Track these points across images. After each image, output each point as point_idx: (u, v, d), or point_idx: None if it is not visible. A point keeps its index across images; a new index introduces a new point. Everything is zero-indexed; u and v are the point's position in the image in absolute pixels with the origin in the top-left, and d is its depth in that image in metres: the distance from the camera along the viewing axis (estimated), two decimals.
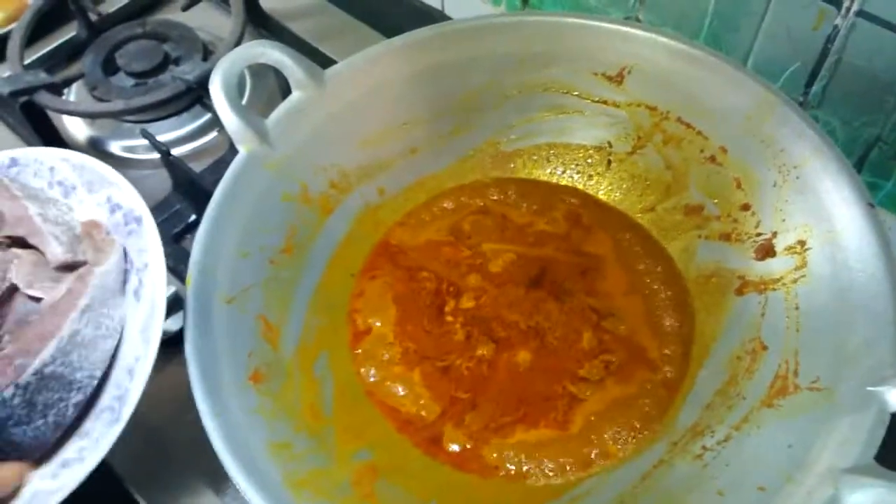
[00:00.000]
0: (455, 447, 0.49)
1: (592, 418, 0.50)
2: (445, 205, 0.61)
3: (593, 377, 0.52)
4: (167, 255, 0.64)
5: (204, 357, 0.43)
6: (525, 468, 0.48)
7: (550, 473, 0.48)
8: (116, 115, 0.71)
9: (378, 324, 0.55)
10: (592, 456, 0.49)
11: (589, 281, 0.57)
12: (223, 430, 0.41)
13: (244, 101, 0.76)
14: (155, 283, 0.43)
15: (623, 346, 0.53)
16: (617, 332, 0.54)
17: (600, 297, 0.56)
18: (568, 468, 0.48)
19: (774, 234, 0.52)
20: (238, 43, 0.72)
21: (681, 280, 0.56)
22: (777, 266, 0.51)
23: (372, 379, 0.52)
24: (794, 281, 0.49)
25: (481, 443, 0.50)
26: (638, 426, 0.49)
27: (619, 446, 0.49)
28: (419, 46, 0.57)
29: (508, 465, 0.49)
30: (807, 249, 0.49)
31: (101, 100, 0.73)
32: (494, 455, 0.49)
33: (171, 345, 0.60)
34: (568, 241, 0.59)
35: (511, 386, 0.52)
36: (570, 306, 0.55)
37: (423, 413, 0.51)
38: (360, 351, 0.54)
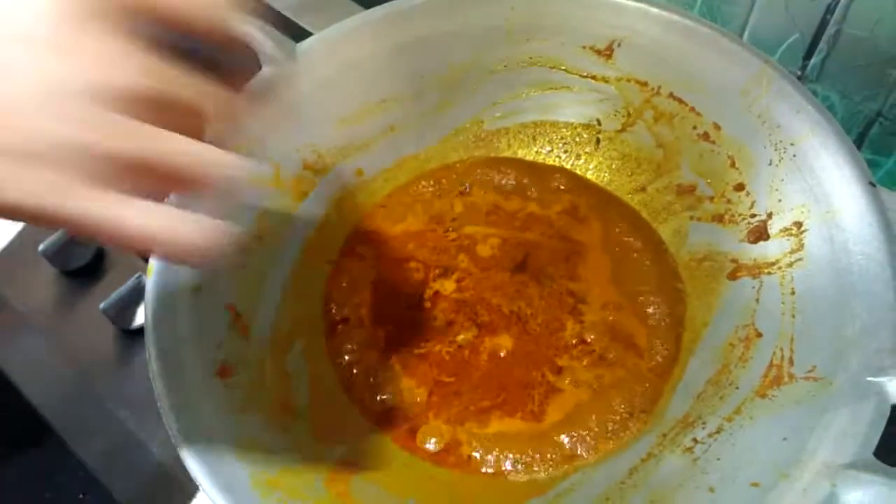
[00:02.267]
0: (433, 441, 0.47)
1: (574, 409, 0.48)
2: (426, 187, 0.58)
3: (575, 366, 0.50)
4: None
5: (166, 350, 0.41)
6: (505, 463, 0.46)
7: (532, 468, 0.46)
8: None
9: (355, 311, 0.53)
10: (577, 450, 0.46)
11: (572, 266, 0.54)
12: (185, 428, 0.38)
13: None
14: None
15: (608, 333, 0.51)
16: (602, 319, 0.52)
17: (584, 283, 0.54)
18: (550, 462, 0.46)
19: (770, 216, 0.49)
20: None
21: (671, 264, 0.54)
22: (772, 249, 0.48)
23: (348, 369, 0.50)
24: (791, 264, 0.47)
25: (459, 430, 0.47)
26: (625, 417, 0.47)
27: (604, 439, 0.47)
28: (398, 19, 0.55)
29: (487, 458, 0.46)
30: (803, 231, 0.47)
31: None
32: (473, 450, 0.47)
33: (139, 337, 0.58)
34: (554, 224, 0.56)
35: (492, 371, 0.50)
36: (551, 290, 0.53)
37: (404, 400, 0.49)
38: (336, 340, 0.51)
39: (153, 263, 0.43)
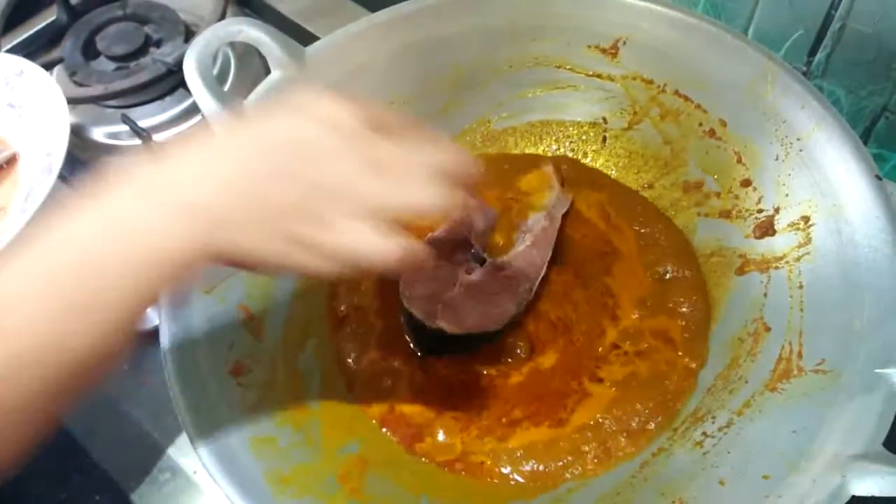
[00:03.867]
0: (441, 451, 0.47)
1: (602, 411, 0.48)
2: None
3: (611, 370, 0.50)
4: None
5: (181, 350, 0.41)
6: (516, 469, 0.46)
7: (545, 471, 0.46)
8: (96, 101, 0.69)
9: (357, 308, 0.53)
10: (595, 451, 0.46)
11: (608, 263, 0.54)
12: (201, 426, 0.39)
13: (228, 85, 0.73)
14: None
15: (643, 335, 0.51)
16: (637, 321, 0.52)
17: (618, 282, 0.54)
18: (564, 464, 0.46)
19: (777, 210, 0.50)
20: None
21: (695, 260, 0.54)
22: (780, 243, 0.49)
23: (353, 367, 0.50)
24: (798, 259, 0.47)
25: (470, 442, 0.47)
26: (655, 413, 0.47)
27: (626, 439, 0.47)
28: (404, 21, 0.55)
29: (498, 466, 0.46)
30: (811, 225, 0.47)
31: (80, 85, 0.71)
32: (484, 456, 0.47)
33: (152, 340, 0.58)
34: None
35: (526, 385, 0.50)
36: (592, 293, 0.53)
37: (408, 406, 0.49)
38: (340, 338, 0.52)
39: None
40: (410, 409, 0.48)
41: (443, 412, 0.48)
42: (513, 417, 0.48)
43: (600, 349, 0.50)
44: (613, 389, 0.48)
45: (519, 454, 0.46)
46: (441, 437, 0.47)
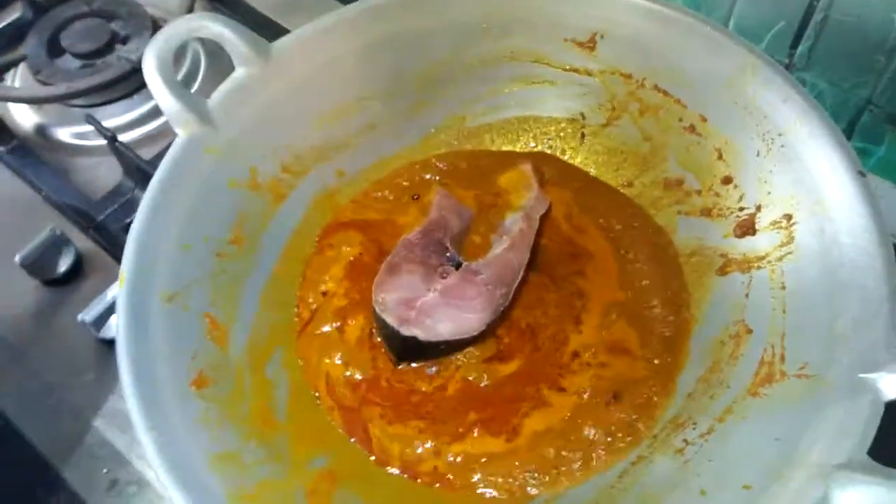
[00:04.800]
0: (405, 457, 0.45)
1: (565, 421, 0.46)
2: (403, 181, 0.57)
3: (574, 378, 0.48)
4: (119, 248, 0.61)
5: (139, 362, 0.40)
6: (484, 480, 0.44)
7: (515, 483, 0.44)
8: (59, 100, 0.67)
9: (327, 309, 0.51)
10: (565, 464, 0.44)
11: (582, 264, 0.53)
12: (159, 443, 0.37)
13: (197, 84, 0.71)
14: None
15: (608, 342, 0.49)
16: (603, 324, 0.50)
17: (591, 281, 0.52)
18: (535, 477, 0.44)
19: (759, 208, 0.48)
20: None
21: (675, 260, 0.52)
22: (762, 243, 0.47)
23: (321, 371, 0.49)
24: (780, 258, 0.46)
25: (436, 447, 0.46)
26: (624, 425, 0.45)
27: (601, 451, 0.45)
28: (375, 15, 0.53)
29: (466, 476, 0.44)
30: (793, 224, 0.46)
31: (45, 83, 0.69)
32: (450, 467, 0.45)
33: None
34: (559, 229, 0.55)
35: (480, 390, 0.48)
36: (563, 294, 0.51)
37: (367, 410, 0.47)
38: (305, 342, 0.50)
39: (124, 271, 0.42)
40: (380, 418, 0.47)
41: (411, 421, 0.46)
42: (482, 425, 0.46)
43: (565, 358, 0.48)
44: (583, 397, 0.47)
45: (487, 464, 0.44)
46: (411, 447, 0.45)
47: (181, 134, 0.47)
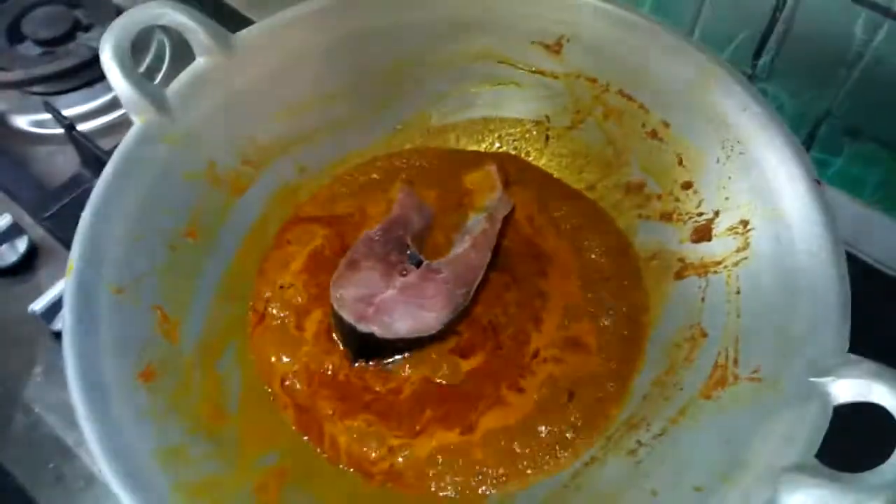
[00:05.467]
0: (371, 453, 0.45)
1: (520, 421, 0.46)
2: (367, 175, 0.57)
3: (534, 377, 0.48)
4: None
5: (84, 353, 0.39)
6: (438, 478, 0.44)
7: (468, 482, 0.44)
8: (17, 86, 0.66)
9: (283, 303, 0.50)
10: (518, 463, 0.44)
11: (543, 265, 0.53)
12: (102, 435, 0.36)
13: (161, 74, 0.70)
14: None
15: (567, 341, 0.49)
16: (562, 325, 0.50)
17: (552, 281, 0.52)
18: (486, 476, 0.44)
19: (717, 214, 0.48)
20: None
21: (633, 263, 0.52)
22: (718, 248, 0.48)
23: (275, 366, 0.48)
24: (736, 263, 0.46)
25: (388, 442, 0.45)
26: (578, 426, 0.45)
27: (549, 454, 0.45)
28: (341, 9, 0.53)
29: (420, 473, 0.44)
30: (749, 230, 0.46)
31: (3, 69, 0.67)
32: (404, 464, 0.44)
33: None
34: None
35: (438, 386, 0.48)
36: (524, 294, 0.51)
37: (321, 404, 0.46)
38: (258, 338, 0.49)
39: (73, 262, 0.41)
40: (333, 416, 0.46)
41: (366, 418, 0.46)
42: (437, 422, 0.46)
43: (525, 359, 0.48)
44: (539, 396, 0.46)
45: (441, 463, 0.44)
46: (365, 445, 0.45)
47: (137, 122, 0.46)
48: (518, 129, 0.58)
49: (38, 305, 0.55)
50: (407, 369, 0.48)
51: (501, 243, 0.53)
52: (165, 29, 0.75)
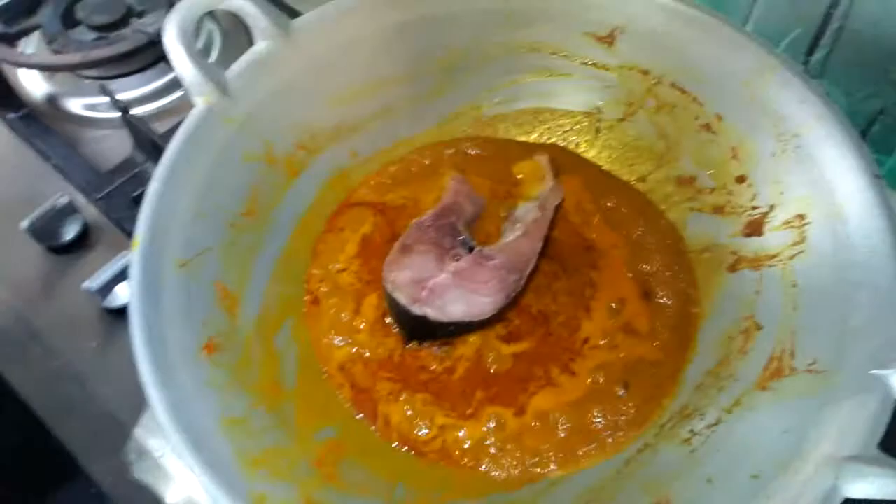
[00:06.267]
0: (415, 430, 0.46)
1: (572, 404, 0.46)
2: (417, 165, 0.57)
3: (584, 361, 0.48)
4: (128, 219, 0.61)
5: (150, 324, 0.39)
6: (491, 457, 0.45)
7: (520, 463, 0.44)
8: (73, 69, 0.67)
9: (337, 285, 0.51)
10: (573, 447, 0.45)
11: (594, 256, 0.53)
12: (169, 403, 0.37)
13: (212, 61, 0.71)
14: None
15: (619, 329, 0.49)
16: (614, 313, 0.50)
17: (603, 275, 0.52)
18: (541, 457, 0.44)
19: (771, 208, 0.48)
20: None
21: (685, 256, 0.52)
22: (774, 241, 0.48)
23: (330, 345, 0.49)
24: (792, 257, 0.46)
25: (441, 421, 0.46)
26: (631, 413, 0.46)
27: (603, 439, 0.45)
28: None
29: (473, 452, 0.45)
30: (806, 224, 0.46)
31: (58, 53, 0.68)
32: (460, 444, 0.45)
33: (121, 318, 0.56)
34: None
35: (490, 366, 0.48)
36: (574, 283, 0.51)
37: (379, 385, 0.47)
38: (315, 319, 0.50)
39: (138, 236, 0.42)
40: (389, 395, 0.46)
41: (419, 398, 0.46)
42: (489, 402, 0.46)
43: (577, 345, 0.49)
44: (592, 382, 0.47)
45: (493, 444, 0.45)
46: (418, 424, 0.45)
47: (199, 103, 0.47)
48: (568, 121, 0.58)
49: (93, 283, 0.56)
50: (458, 352, 0.48)
51: (551, 234, 0.53)
52: (215, 18, 0.76)
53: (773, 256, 0.47)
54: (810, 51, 0.59)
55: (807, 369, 0.41)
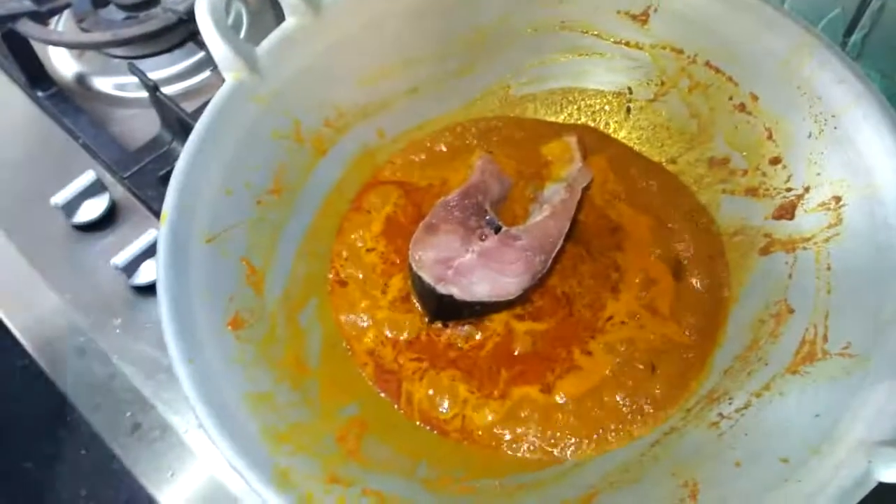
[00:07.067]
0: (437, 408, 0.46)
1: (597, 386, 0.46)
2: (444, 145, 0.57)
3: (606, 342, 0.47)
4: (155, 198, 0.61)
5: (177, 298, 0.39)
6: (516, 438, 0.44)
7: (548, 443, 0.44)
8: (102, 47, 0.67)
9: (362, 264, 0.51)
10: (597, 430, 0.44)
11: (620, 238, 0.52)
12: (195, 376, 0.37)
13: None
14: None
15: (645, 310, 0.49)
16: (640, 295, 0.50)
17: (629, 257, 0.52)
18: (566, 439, 0.44)
19: (807, 190, 0.47)
20: None
21: (716, 239, 0.51)
22: (808, 223, 0.47)
23: (353, 324, 0.49)
24: (827, 240, 0.45)
25: (464, 398, 0.46)
26: (657, 396, 0.45)
27: (628, 421, 0.45)
28: None
29: (503, 434, 0.44)
30: (842, 206, 0.45)
31: (88, 32, 0.69)
32: (483, 425, 0.45)
33: (146, 295, 0.57)
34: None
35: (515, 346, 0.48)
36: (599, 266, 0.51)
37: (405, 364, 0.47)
38: (339, 298, 0.50)
39: (167, 211, 0.42)
40: (412, 375, 0.46)
41: (443, 378, 0.46)
42: (513, 382, 0.46)
43: (599, 323, 0.48)
44: (616, 363, 0.46)
45: (517, 424, 0.44)
46: (442, 403, 0.45)
47: (229, 79, 0.47)
48: (598, 101, 0.57)
49: (120, 260, 0.56)
50: (485, 332, 0.48)
51: (577, 216, 0.53)
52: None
53: (808, 239, 0.46)
54: (849, 31, 0.58)
55: (840, 353, 0.40)
